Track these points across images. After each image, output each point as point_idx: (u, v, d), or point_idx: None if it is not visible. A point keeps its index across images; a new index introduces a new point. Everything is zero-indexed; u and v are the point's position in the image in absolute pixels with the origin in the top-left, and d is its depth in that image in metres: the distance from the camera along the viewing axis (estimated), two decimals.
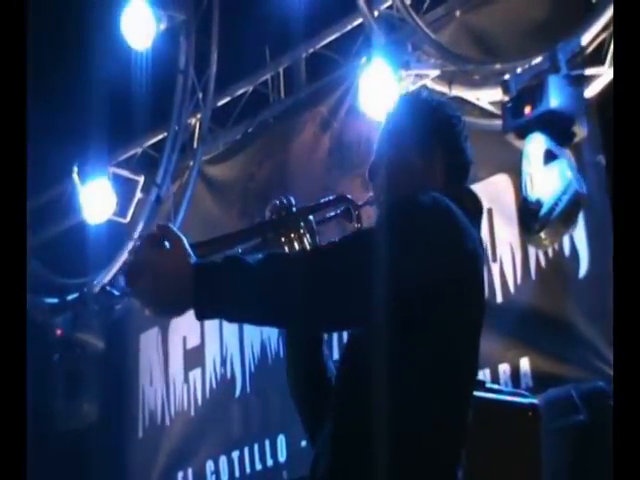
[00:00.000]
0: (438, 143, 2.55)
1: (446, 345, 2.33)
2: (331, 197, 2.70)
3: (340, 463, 2.32)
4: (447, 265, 2.30)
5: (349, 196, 2.69)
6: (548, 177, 5.46)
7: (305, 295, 2.17)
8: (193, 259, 2.19)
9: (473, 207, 2.52)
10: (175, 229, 2.25)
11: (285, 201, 2.64)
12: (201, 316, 2.18)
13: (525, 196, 5.51)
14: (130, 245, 8.29)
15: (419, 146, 2.54)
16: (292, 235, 2.60)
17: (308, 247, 2.59)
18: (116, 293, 7.07)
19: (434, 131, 2.56)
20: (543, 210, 5.41)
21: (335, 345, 6.03)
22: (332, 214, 2.70)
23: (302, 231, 2.61)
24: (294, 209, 2.64)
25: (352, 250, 2.24)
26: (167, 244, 2.21)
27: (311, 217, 2.65)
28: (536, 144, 5.56)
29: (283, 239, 2.59)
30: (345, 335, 2.50)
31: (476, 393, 2.60)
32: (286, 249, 2.58)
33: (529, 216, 5.48)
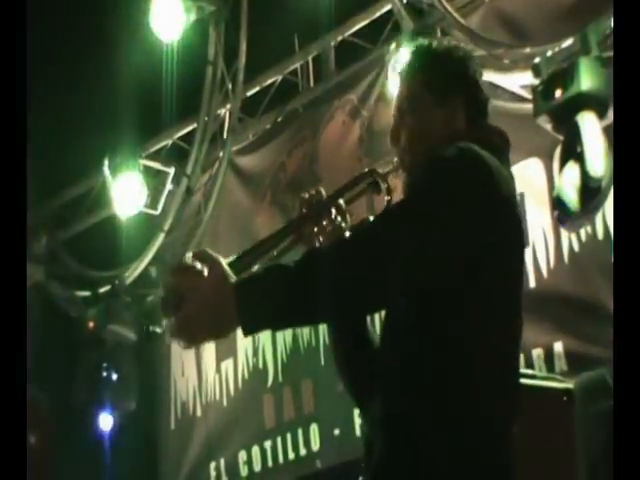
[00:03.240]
0: (455, 91, 2.54)
1: (493, 305, 2.31)
2: (355, 175, 2.68)
3: (394, 446, 2.29)
4: (484, 216, 2.28)
5: (374, 169, 2.66)
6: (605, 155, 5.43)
7: (350, 285, 2.15)
8: (233, 278, 2.15)
9: (499, 141, 2.50)
10: (210, 252, 2.20)
11: (314, 192, 2.65)
12: (248, 332, 2.16)
13: (586, 174, 5.44)
14: (161, 237, 8.31)
15: (437, 100, 2.52)
16: (325, 222, 2.60)
17: (342, 230, 2.59)
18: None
19: (449, 80, 2.54)
20: (603, 189, 5.37)
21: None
22: (361, 190, 2.68)
23: (333, 216, 2.61)
24: (324, 197, 2.63)
25: (386, 229, 2.22)
26: (204, 269, 2.16)
27: (341, 200, 2.64)
28: (590, 121, 5.51)
29: (316, 228, 2.59)
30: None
31: None
32: (320, 238, 2.58)
33: (589, 194, 5.42)
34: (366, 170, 2.68)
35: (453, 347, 2.27)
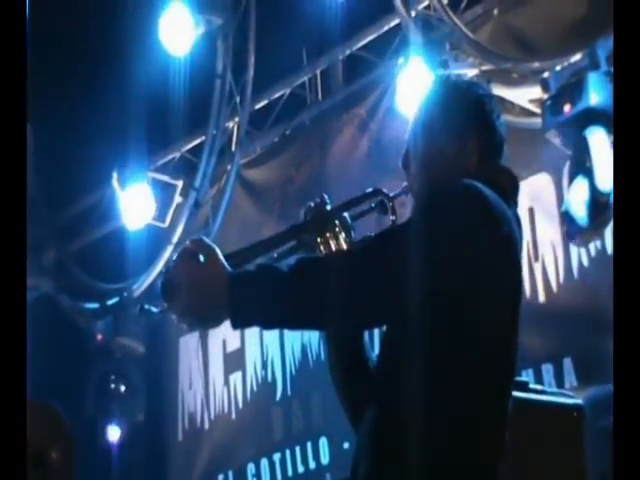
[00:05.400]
0: (470, 125, 2.52)
1: (486, 334, 2.30)
2: (364, 191, 2.69)
3: (379, 465, 2.30)
4: (481, 254, 2.28)
5: (382, 189, 2.67)
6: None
7: (340, 297, 2.17)
8: (228, 270, 2.21)
9: (508, 184, 2.49)
10: (208, 241, 2.26)
11: (319, 201, 2.64)
12: (237, 325, 2.20)
13: (595, 189, 5.46)
14: (169, 250, 8.33)
15: (450, 130, 2.52)
16: (328, 234, 2.60)
17: (344, 245, 2.59)
18: (155, 310, 7.03)
19: (465, 113, 2.53)
20: (612, 204, 5.38)
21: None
22: (367, 208, 2.69)
23: (337, 229, 2.61)
24: (328, 208, 2.63)
25: (383, 249, 2.23)
26: (201, 257, 2.22)
27: (346, 214, 2.64)
28: (599, 135, 5.53)
29: (319, 239, 2.59)
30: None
31: (519, 394, 2.56)
32: (322, 249, 2.58)
33: (598, 209, 5.44)
34: (374, 189, 2.69)
35: (442, 372, 2.27)
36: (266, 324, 2.27)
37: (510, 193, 2.47)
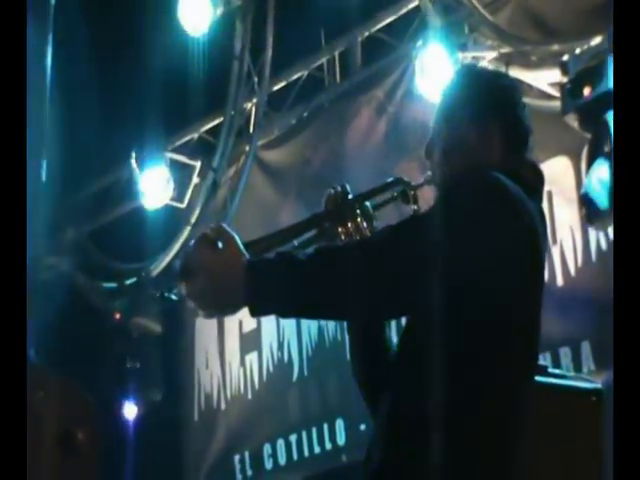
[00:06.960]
0: (493, 115, 2.50)
1: (505, 324, 2.30)
2: (386, 180, 2.68)
3: (392, 455, 2.29)
4: (502, 244, 2.27)
5: (405, 178, 2.67)
6: None
7: (360, 286, 2.16)
8: (246, 257, 2.21)
9: (533, 178, 2.49)
10: (228, 228, 2.26)
11: (340, 189, 2.63)
12: (255, 313, 2.21)
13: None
14: (187, 230, 8.35)
15: (474, 120, 2.50)
16: (349, 224, 2.58)
17: (366, 234, 2.58)
18: (175, 298, 7.10)
19: (489, 103, 2.52)
20: None
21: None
22: (389, 197, 2.68)
23: (359, 219, 2.60)
24: (350, 197, 2.62)
25: (405, 237, 2.22)
26: (220, 244, 2.22)
27: (367, 203, 2.63)
28: None
29: (340, 228, 2.58)
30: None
31: (539, 378, 2.56)
32: (343, 238, 2.56)
33: None
34: (396, 178, 2.68)
35: (459, 362, 2.26)
36: (284, 313, 2.29)
37: (534, 187, 2.46)
